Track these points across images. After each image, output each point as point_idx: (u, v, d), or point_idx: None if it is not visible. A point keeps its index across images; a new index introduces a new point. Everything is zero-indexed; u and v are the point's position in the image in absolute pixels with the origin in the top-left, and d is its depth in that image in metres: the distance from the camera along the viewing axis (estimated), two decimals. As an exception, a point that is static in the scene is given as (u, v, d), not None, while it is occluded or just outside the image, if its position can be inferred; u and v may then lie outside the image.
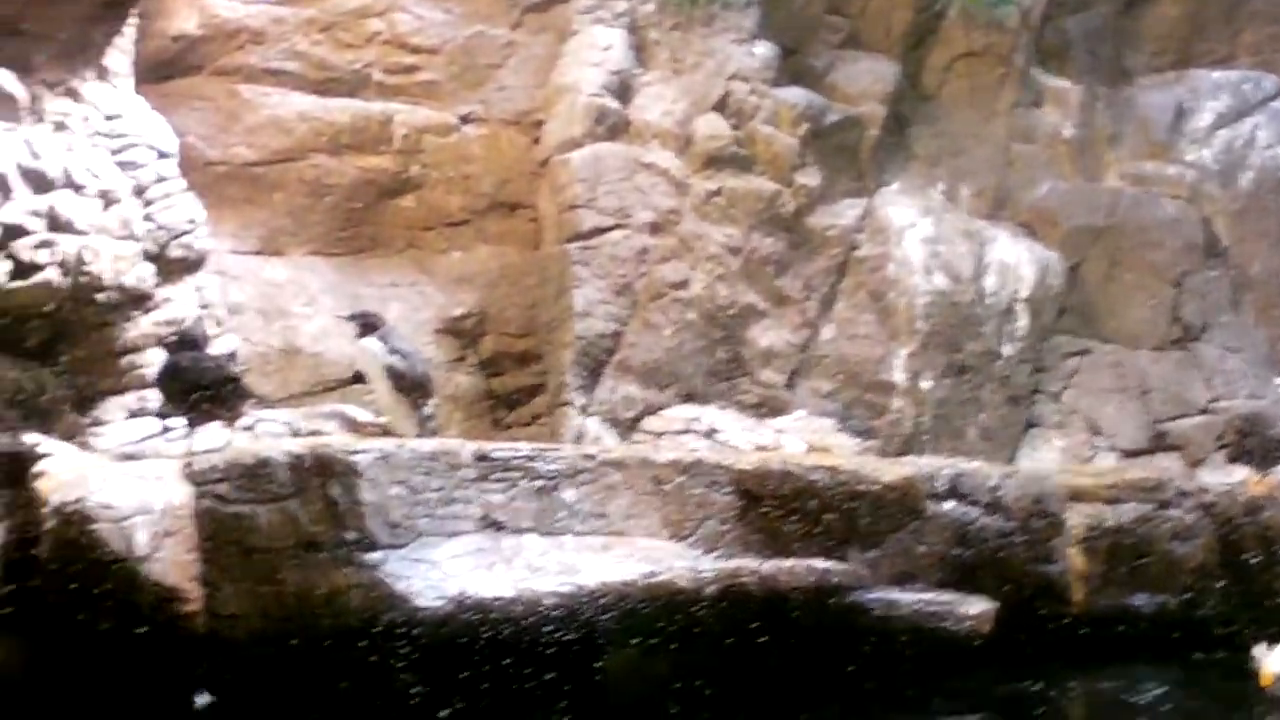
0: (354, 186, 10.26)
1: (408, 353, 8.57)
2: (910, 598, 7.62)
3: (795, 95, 10.89)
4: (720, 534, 7.54)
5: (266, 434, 8.45)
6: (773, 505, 7.60)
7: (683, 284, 10.25)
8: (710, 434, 9.71)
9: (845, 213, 10.96)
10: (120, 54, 9.21)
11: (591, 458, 7.49)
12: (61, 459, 7.57)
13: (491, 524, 7.07)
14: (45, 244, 8.47)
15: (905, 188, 11.32)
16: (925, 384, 10.74)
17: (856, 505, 7.71)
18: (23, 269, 8.40)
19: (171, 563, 6.77)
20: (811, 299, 10.76)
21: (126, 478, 7.02)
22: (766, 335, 10.55)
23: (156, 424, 8.65)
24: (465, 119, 10.54)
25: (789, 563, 7.39)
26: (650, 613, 6.90)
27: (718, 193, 10.46)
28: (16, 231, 8.40)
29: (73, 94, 8.90)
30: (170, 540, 6.80)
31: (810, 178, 10.80)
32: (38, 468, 7.31)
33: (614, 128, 10.34)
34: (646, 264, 10.17)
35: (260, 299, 9.91)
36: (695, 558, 7.34)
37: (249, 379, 8.47)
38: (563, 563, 7.00)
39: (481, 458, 7.19)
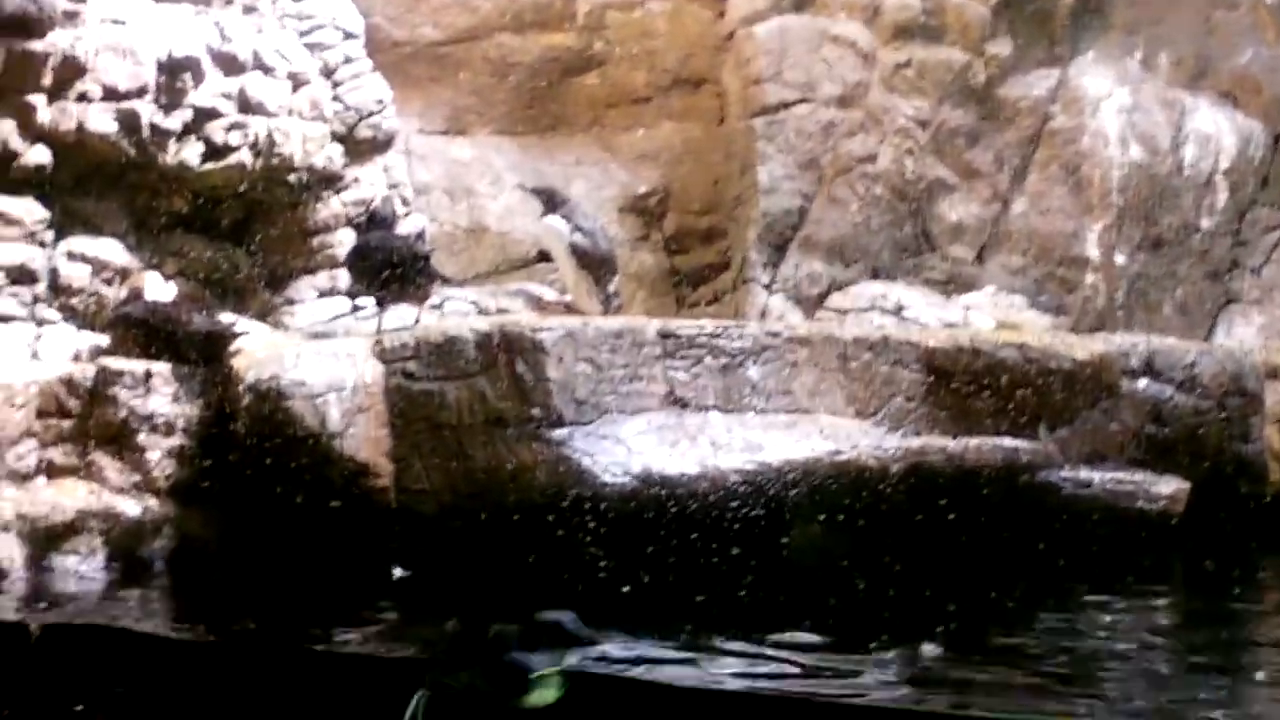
0: (538, 64, 10.25)
1: (591, 230, 8.58)
2: (1101, 476, 7.47)
3: (986, -38, 10.58)
4: (906, 412, 7.46)
5: (454, 312, 8.55)
6: (961, 382, 7.49)
7: (870, 158, 10.07)
8: (897, 311, 9.59)
9: (1038, 83, 10.64)
10: (307, -64, 9.29)
11: (776, 335, 7.45)
12: (256, 337, 7.76)
13: (676, 401, 7.09)
14: (236, 126, 8.63)
15: (1101, 57, 10.93)
16: (1120, 259, 10.45)
17: (1047, 382, 7.56)
18: (215, 151, 8.58)
19: (363, 439, 6.92)
20: (1002, 172, 10.50)
21: (319, 355, 7.17)
22: (955, 210, 10.33)
23: (346, 303, 8.81)
24: (649, -7, 10.43)
25: (977, 441, 7.29)
26: (835, 490, 6.87)
27: (906, 64, 10.21)
28: (209, 114, 8.56)
29: (262, -24, 9.02)
30: (362, 417, 6.94)
31: (1002, 47, 10.49)
32: (234, 346, 7.51)
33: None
34: (833, 138, 10.01)
35: (446, 178, 9.98)
36: (881, 435, 7.28)
37: (437, 258, 8.53)
38: (747, 440, 6.99)
39: (666, 335, 7.19)
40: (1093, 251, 10.43)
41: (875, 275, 10.04)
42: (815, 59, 10.04)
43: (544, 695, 4.55)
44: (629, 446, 6.80)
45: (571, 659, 4.70)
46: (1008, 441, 7.34)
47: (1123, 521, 7.37)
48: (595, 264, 8.46)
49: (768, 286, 9.83)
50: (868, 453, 7.04)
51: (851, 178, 10.04)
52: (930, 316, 9.51)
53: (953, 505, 6.96)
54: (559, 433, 6.77)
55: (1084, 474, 7.45)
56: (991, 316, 9.59)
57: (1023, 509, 7.23)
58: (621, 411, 6.95)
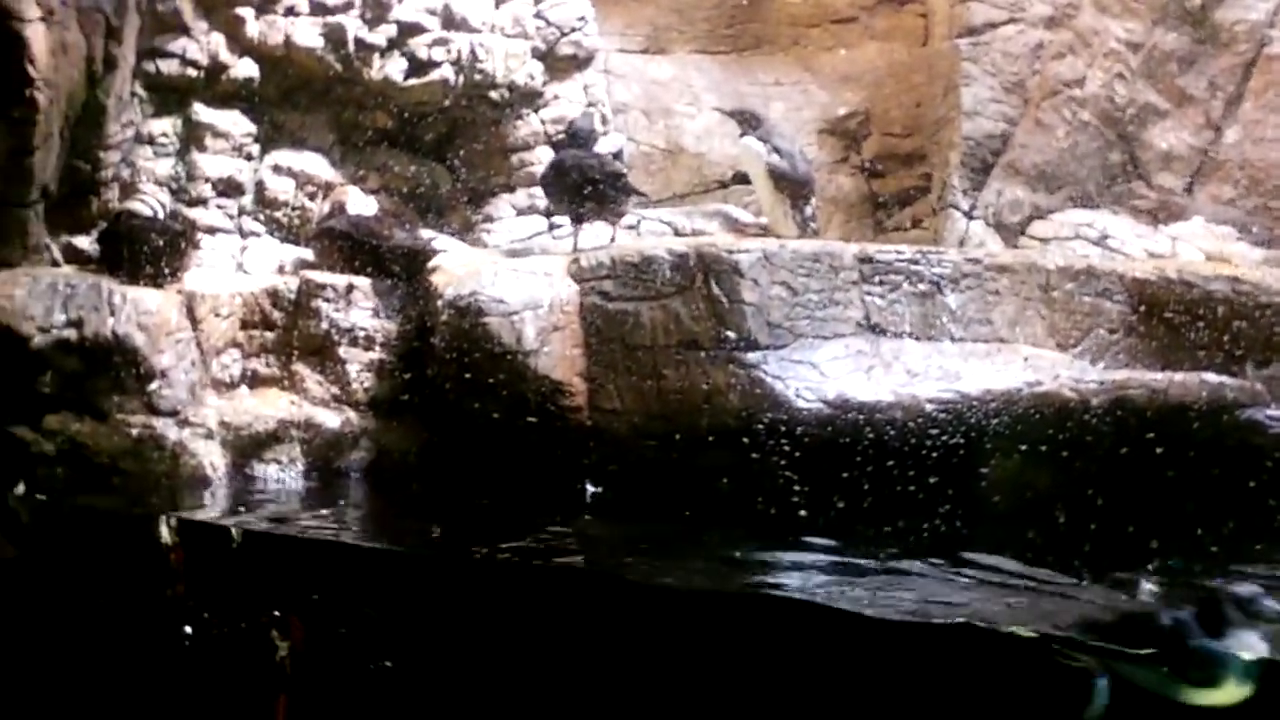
0: (739, -18, 10.15)
1: (789, 152, 8.47)
2: (1311, 416, 7.23)
3: (1207, -120, 10.19)
4: (1110, 344, 7.31)
5: (650, 233, 8.53)
6: (1168, 316, 7.31)
7: (1078, 81, 9.78)
8: (1102, 240, 9.32)
9: (1257, 5, 10.20)
10: None
11: (977, 262, 7.34)
12: (455, 254, 7.83)
13: (872, 327, 7.01)
14: (440, 41, 8.67)
15: (1326, -23, 10.51)
16: (1338, 190, 10.08)
17: (1258, 317, 7.33)
18: (418, 66, 8.63)
19: (558, 357, 6.98)
20: (1216, 99, 10.13)
21: (516, 273, 7.25)
22: (1166, 137, 10.00)
23: (543, 221, 8.84)
24: (847, -88, 10.25)
25: (1181, 376, 7.10)
26: (1035, 421, 6.74)
27: (1119, -16, 9.92)
28: (413, 29, 8.61)
29: (466, -111, 9.02)
30: (557, 335, 7.00)
31: (1220, -32, 10.13)
32: (433, 262, 7.58)
33: (1010, -84, 9.88)
34: (1040, 60, 9.73)
35: (645, 98, 9.93)
36: (1083, 368, 7.13)
37: (633, 178, 8.51)
38: (944, 369, 6.89)
39: (864, 259, 7.12)
40: (1308, 183, 10.07)
41: (1080, 203, 9.78)
42: (1024, -23, 9.79)
43: (1235, 688, 4.30)
44: (823, 372, 6.77)
45: (1261, 644, 4.39)
46: (1213, 377, 7.13)
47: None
48: (793, 186, 8.34)
49: (968, 212, 9.63)
50: (1069, 385, 6.90)
51: (1058, 101, 9.76)
52: (1136, 247, 9.24)
53: (1157, 441, 6.80)
54: (753, 356, 6.75)
55: (1292, 413, 7.22)
56: (1200, 249, 9.30)
57: (1229, 447, 7.02)
58: (817, 336, 6.91)
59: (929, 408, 6.67)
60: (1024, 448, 6.70)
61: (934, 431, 6.61)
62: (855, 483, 6.50)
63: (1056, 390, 6.86)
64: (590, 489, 6.92)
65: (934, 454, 6.59)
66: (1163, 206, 9.94)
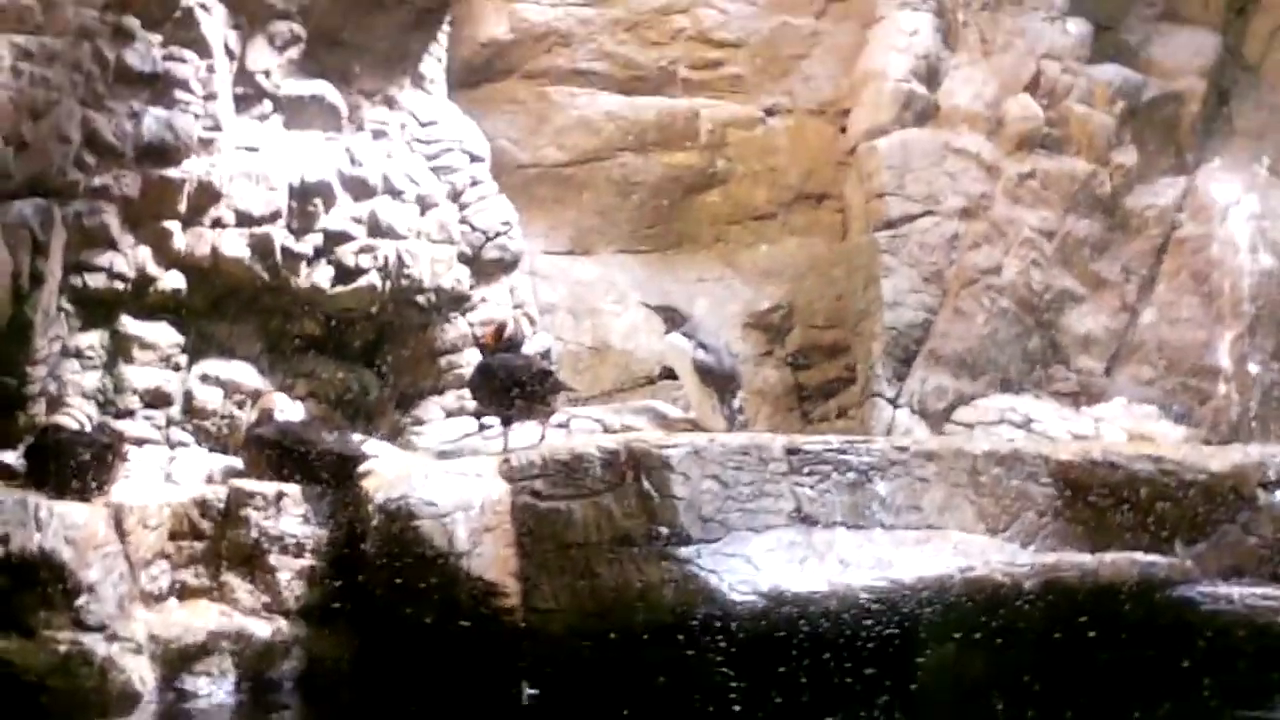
0: (661, 183, 10.34)
1: (715, 347, 8.58)
2: (1242, 591, 7.26)
3: (1110, 72, 10.51)
4: (1039, 527, 7.35)
5: (579, 430, 8.56)
6: (1094, 497, 7.38)
7: (995, 270, 10.01)
8: (1026, 424, 9.47)
9: (1165, 192, 10.54)
10: (434, 61, 9.50)
11: (905, 450, 7.39)
12: (385, 458, 7.82)
13: (803, 518, 7.03)
14: (367, 249, 8.77)
15: (1228, 164, 10.81)
16: (1253, 368, 10.25)
17: (1183, 496, 7.40)
18: (346, 273, 8.72)
19: (491, 558, 6.92)
20: (1130, 282, 10.38)
21: (447, 475, 7.21)
22: (1084, 321, 10.22)
23: (473, 423, 8.86)
24: (770, 111, 10.50)
25: (1111, 556, 7.15)
26: (968, 607, 6.76)
27: (1031, 175, 10.17)
28: (340, 237, 8.71)
29: (390, 102, 9.21)
30: (489, 536, 6.96)
31: (1127, 157, 10.41)
32: (363, 467, 7.57)
33: (922, 113, 10.16)
34: (957, 250, 9.96)
35: (570, 298, 10.06)
36: (1013, 551, 7.17)
37: (561, 376, 8.56)
38: (877, 557, 6.91)
39: (793, 451, 7.15)
40: (1225, 361, 10.25)
41: (1003, 388, 9.93)
42: (938, 172, 10.04)
43: None
44: (756, 564, 6.75)
45: None
46: (1143, 556, 7.18)
47: (1266, 637, 7.16)
48: (719, 381, 8.45)
49: (893, 401, 9.75)
50: (1000, 569, 6.92)
51: (977, 290, 9.97)
52: (1060, 429, 9.39)
53: (1090, 622, 6.83)
54: (686, 550, 6.73)
55: (1223, 589, 7.25)
56: (1123, 429, 9.44)
57: (1162, 626, 7.05)
58: (749, 529, 6.91)
59: (863, 597, 6.67)
60: (957, 635, 6.71)
61: (868, 621, 6.61)
62: (792, 675, 6.47)
63: (988, 574, 6.88)
64: (527, 691, 6.84)
65: (869, 644, 6.58)
66: (1084, 388, 10.11)
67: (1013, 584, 6.87)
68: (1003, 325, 10.01)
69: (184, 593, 7.35)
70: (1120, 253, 10.39)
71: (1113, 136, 10.38)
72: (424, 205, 9.04)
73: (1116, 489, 7.39)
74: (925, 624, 6.69)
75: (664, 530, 6.75)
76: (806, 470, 7.11)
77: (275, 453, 7.71)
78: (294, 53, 8.80)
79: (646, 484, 6.83)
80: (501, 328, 8.48)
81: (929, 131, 10.14)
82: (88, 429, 7.80)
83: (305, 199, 8.62)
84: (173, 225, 8.27)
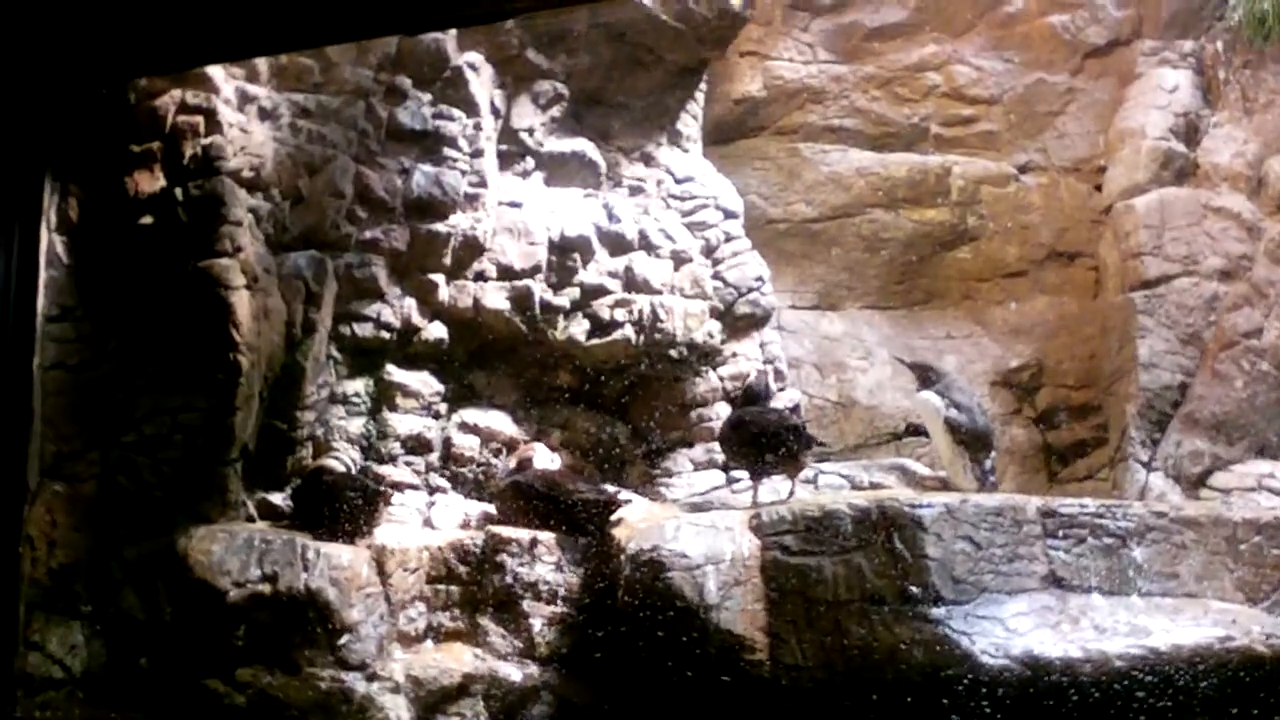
0: (910, 240, 10.33)
1: (968, 406, 8.49)
2: None
3: (1377, 131, 10.23)
4: (1301, 598, 7.16)
5: (827, 486, 8.57)
6: (1357, 567, 7.16)
7: (1256, 332, 9.75)
8: (1285, 491, 9.21)
9: None
10: (690, 118, 9.66)
11: (1163, 515, 7.26)
12: (636, 508, 7.92)
13: (1057, 581, 6.95)
14: (622, 303, 8.93)
15: None
16: None
17: None
18: (601, 326, 8.89)
19: (739, 612, 6.96)
20: (1394, 346, 10.05)
21: (697, 527, 7.27)
22: (1345, 387, 9.91)
23: (721, 475, 8.92)
24: (1023, 168, 10.43)
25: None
26: (1227, 679, 6.59)
27: (1293, 236, 9.93)
28: (596, 291, 8.89)
29: (647, 159, 9.39)
30: (738, 589, 6.99)
31: (1391, 220, 10.10)
32: (615, 516, 7.68)
33: (1180, 171, 9.98)
34: (1216, 312, 9.74)
35: (817, 353, 10.08)
36: (1274, 623, 6.97)
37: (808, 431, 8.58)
38: (1132, 624, 6.79)
39: (1048, 514, 7.08)
40: None
41: (1261, 453, 9.67)
42: (1197, 232, 9.83)
43: None
44: (1009, 627, 6.68)
45: None
46: None
47: None
48: (972, 440, 8.35)
49: (1147, 464, 9.55)
50: (1261, 640, 6.74)
51: (1236, 352, 9.73)
52: (1319, 497, 9.11)
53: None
54: (937, 611, 6.70)
55: None
56: (1386, 498, 9.12)
57: None
58: (1001, 591, 6.85)
59: (1118, 664, 6.56)
60: (1215, 706, 6.54)
61: (1122, 689, 6.49)
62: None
63: (1248, 645, 6.71)
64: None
65: (1125, 713, 6.47)
66: (1345, 456, 9.78)
67: (1274, 655, 6.68)
68: (1262, 389, 9.74)
69: (440, 635, 7.54)
70: (1383, 319, 10.06)
71: (1375, 199, 10.07)
72: (678, 260, 9.17)
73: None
74: (1183, 694, 6.54)
75: (915, 590, 6.72)
76: (1061, 533, 7.03)
77: (532, 500, 7.85)
78: (556, 111, 9.05)
79: (898, 543, 6.82)
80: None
81: (1188, 191, 9.95)
82: (353, 473, 8.07)
83: (564, 254, 8.84)
84: (438, 278, 8.57)
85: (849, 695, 6.70)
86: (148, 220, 7.64)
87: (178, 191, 7.62)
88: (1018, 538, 6.97)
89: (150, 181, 7.67)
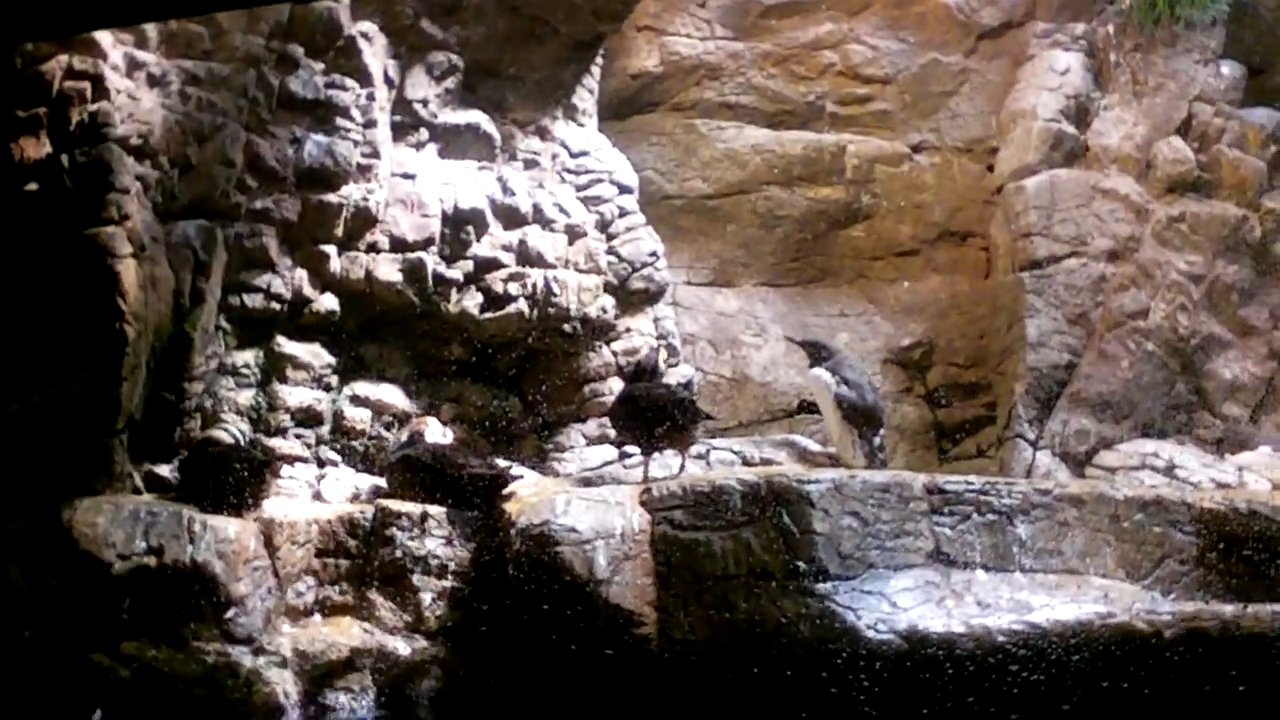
0: (805, 217, 10.40)
1: (858, 383, 8.55)
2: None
3: (1263, 116, 10.40)
4: (1180, 575, 7.27)
5: (718, 462, 8.61)
6: (1237, 546, 7.27)
7: (1142, 313, 9.92)
8: (1168, 470, 9.36)
9: (1317, 236, 10.40)
10: (585, 92, 9.64)
11: (1047, 493, 7.36)
12: (527, 483, 7.91)
13: (942, 557, 7.02)
14: (515, 276, 8.92)
15: (1383, 208, 10.64)
16: (1405, 419, 10.08)
17: (1329, 548, 7.29)
18: (495, 300, 8.87)
19: (628, 586, 6.98)
20: (1278, 329, 10.24)
21: (588, 502, 7.27)
22: (1230, 367, 10.10)
23: (614, 450, 8.93)
24: (917, 148, 10.52)
25: (1254, 607, 7.03)
26: (1107, 654, 6.69)
27: (1180, 219, 10.09)
28: (490, 265, 8.87)
29: (542, 132, 9.36)
30: (628, 564, 7.00)
31: (1278, 202, 10.29)
32: (506, 490, 7.67)
33: (1071, 153, 10.12)
34: (1103, 293, 9.90)
35: (712, 329, 10.13)
36: (1153, 599, 7.09)
37: (700, 406, 8.60)
38: (1015, 599, 6.88)
39: (934, 490, 7.16)
40: (1374, 412, 10.09)
41: (1146, 433, 9.84)
42: (1085, 213, 9.98)
43: None
44: (894, 602, 6.75)
45: None
46: (1289, 607, 7.07)
47: None
48: (862, 417, 8.42)
49: (1034, 442, 9.69)
50: (1141, 616, 6.84)
51: (1122, 333, 9.89)
52: (1203, 477, 9.26)
53: (1232, 674, 6.73)
54: (823, 586, 6.75)
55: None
56: (1267, 478, 9.30)
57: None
58: (887, 566, 6.92)
59: (1000, 639, 6.64)
60: (1096, 682, 6.63)
61: (1004, 665, 6.57)
62: (930, 717, 6.46)
63: (1128, 622, 6.80)
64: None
65: (1006, 687, 6.54)
66: (1228, 436, 9.98)
67: (1153, 631, 6.79)
68: (1148, 369, 9.92)
69: (329, 609, 7.48)
70: (1268, 299, 10.26)
71: (1264, 181, 10.26)
72: (572, 235, 9.17)
73: (1260, 539, 7.27)
74: (1065, 670, 6.63)
75: (802, 565, 6.77)
76: (947, 510, 7.11)
77: (423, 473, 7.81)
78: (451, 83, 8.99)
79: (786, 518, 6.87)
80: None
81: (1077, 172, 10.10)
82: (242, 445, 7.99)
83: (457, 226, 8.80)
84: (329, 249, 8.49)
85: (735, 669, 6.74)
86: (33, 187, 7.48)
87: (64, 158, 7.46)
88: (904, 514, 7.05)
89: (36, 147, 7.51)
